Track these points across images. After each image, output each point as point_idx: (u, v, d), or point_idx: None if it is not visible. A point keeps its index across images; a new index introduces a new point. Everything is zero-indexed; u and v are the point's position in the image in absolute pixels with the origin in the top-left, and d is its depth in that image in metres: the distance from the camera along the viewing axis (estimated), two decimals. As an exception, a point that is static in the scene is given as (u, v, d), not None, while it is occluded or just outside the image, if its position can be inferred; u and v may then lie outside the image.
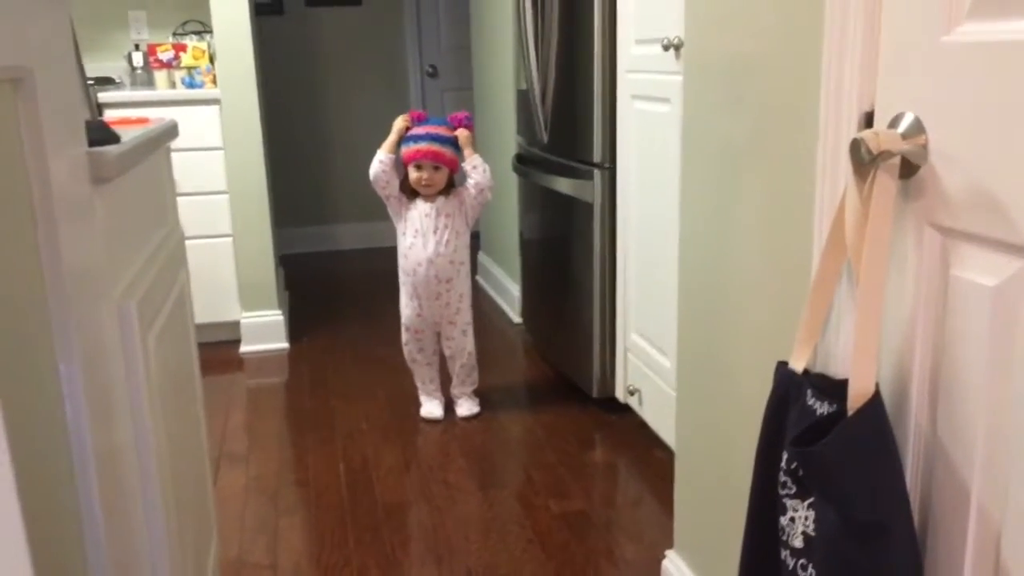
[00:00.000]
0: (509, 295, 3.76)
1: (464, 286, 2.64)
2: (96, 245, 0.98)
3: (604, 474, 2.38)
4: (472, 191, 2.58)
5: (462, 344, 2.69)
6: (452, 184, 2.59)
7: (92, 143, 1.00)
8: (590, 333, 2.67)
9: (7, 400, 0.70)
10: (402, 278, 2.64)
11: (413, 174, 2.53)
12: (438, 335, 2.71)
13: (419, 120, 2.59)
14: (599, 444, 2.54)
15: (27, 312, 0.81)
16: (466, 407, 2.74)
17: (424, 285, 2.58)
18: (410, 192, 2.58)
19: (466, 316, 2.68)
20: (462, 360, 2.70)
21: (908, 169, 0.93)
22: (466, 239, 2.63)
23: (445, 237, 2.56)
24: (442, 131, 2.54)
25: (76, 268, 0.89)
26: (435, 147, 2.50)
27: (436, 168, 2.52)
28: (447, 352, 2.71)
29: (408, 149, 2.53)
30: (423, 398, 2.77)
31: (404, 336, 2.70)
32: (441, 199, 2.57)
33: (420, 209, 2.57)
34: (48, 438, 0.84)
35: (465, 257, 2.63)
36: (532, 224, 3.26)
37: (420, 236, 2.56)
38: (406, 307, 2.66)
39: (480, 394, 2.81)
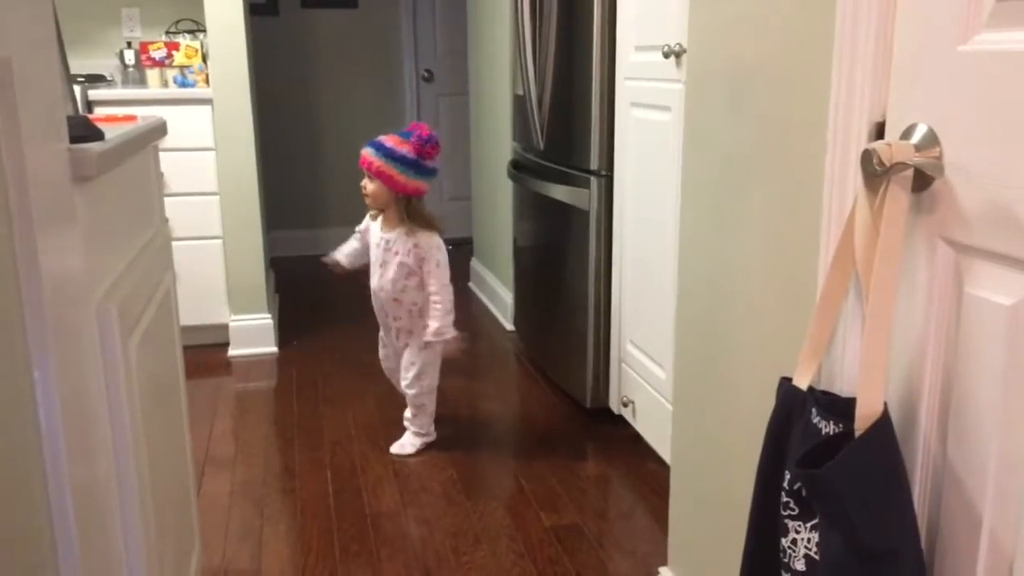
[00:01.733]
0: (502, 302, 3.73)
1: (415, 325, 2.44)
2: (75, 246, 0.94)
3: (597, 486, 2.34)
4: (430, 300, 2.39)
5: (408, 383, 2.48)
6: (410, 214, 2.36)
7: (74, 140, 0.97)
8: (584, 342, 2.63)
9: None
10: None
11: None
12: None
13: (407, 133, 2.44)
14: (592, 456, 2.50)
15: (0, 315, 0.77)
16: (399, 443, 2.52)
17: (379, 313, 2.49)
18: (374, 216, 2.47)
19: (414, 357, 2.46)
20: (410, 400, 2.52)
21: (921, 182, 0.90)
22: (420, 289, 2.41)
23: (390, 275, 2.38)
24: (392, 142, 2.33)
25: (53, 270, 0.85)
26: (369, 154, 2.32)
27: (371, 178, 2.34)
28: (402, 384, 2.54)
29: None
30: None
31: (380, 351, 2.63)
32: (397, 233, 2.37)
33: (375, 234, 2.44)
34: (20, 448, 0.80)
35: (421, 301, 2.42)
36: (526, 231, 3.22)
37: (372, 263, 2.46)
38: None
39: (470, 402, 2.77)
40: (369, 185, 2.36)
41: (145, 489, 1.13)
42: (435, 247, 2.36)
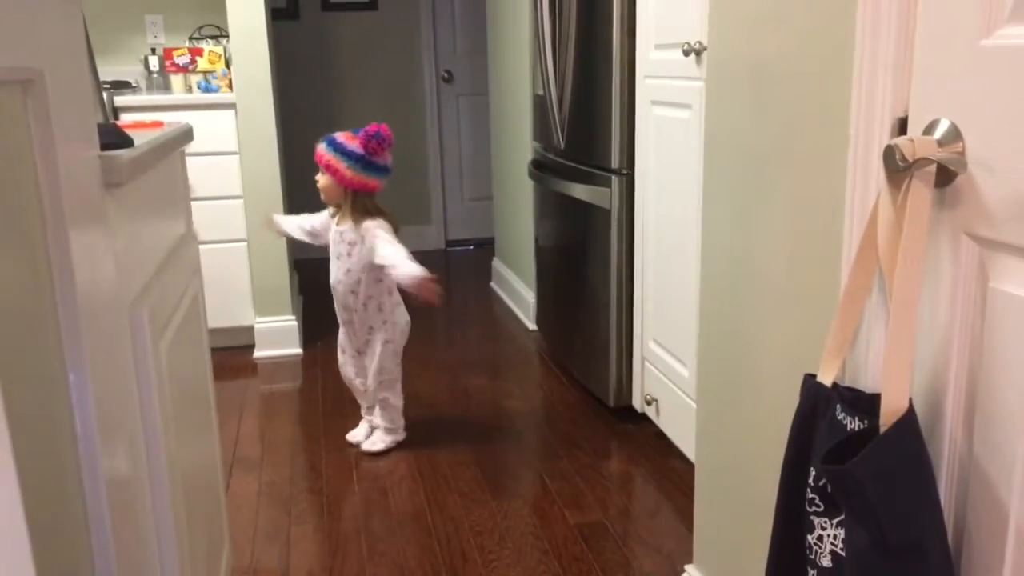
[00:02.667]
0: (524, 302, 3.74)
1: (375, 321, 2.44)
2: (108, 251, 0.96)
3: (621, 484, 2.35)
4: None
5: (373, 387, 2.50)
6: (358, 207, 2.38)
7: (104, 147, 0.99)
8: (607, 341, 2.63)
9: (14, 410, 0.67)
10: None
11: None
12: None
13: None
14: (615, 454, 2.51)
15: (36, 320, 0.79)
16: (370, 440, 2.55)
17: (337, 309, 2.48)
18: (333, 213, 2.48)
19: (374, 350, 2.47)
20: (371, 391, 2.52)
21: (944, 177, 0.90)
22: (382, 282, 2.42)
23: (347, 266, 2.40)
24: (344, 137, 2.37)
25: (87, 275, 0.87)
26: (321, 149, 2.37)
27: (322, 172, 2.38)
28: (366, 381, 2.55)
29: None
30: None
31: (339, 357, 2.59)
32: (348, 226, 2.39)
33: (333, 228, 2.46)
34: (57, 449, 0.82)
35: (377, 296, 2.43)
36: (548, 230, 3.23)
37: (332, 257, 2.46)
38: (339, 334, 2.57)
39: (494, 401, 2.78)
40: (320, 179, 2.40)
41: (176, 489, 1.15)
42: (375, 226, 2.36)
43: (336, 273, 2.43)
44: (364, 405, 2.61)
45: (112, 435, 0.92)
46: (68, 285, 0.82)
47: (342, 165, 2.35)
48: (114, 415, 0.94)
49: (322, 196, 2.44)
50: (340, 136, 2.38)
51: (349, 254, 2.40)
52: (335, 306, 2.48)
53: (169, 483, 1.11)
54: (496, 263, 4.33)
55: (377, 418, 2.56)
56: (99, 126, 1.00)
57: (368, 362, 2.50)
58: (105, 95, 3.01)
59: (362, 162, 2.35)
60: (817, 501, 1.00)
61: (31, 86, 0.79)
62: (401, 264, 2.29)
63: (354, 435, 2.60)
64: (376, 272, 2.38)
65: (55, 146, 0.81)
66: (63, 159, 0.83)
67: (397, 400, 2.55)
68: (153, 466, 1.07)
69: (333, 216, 2.46)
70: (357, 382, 2.57)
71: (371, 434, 2.58)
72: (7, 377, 0.68)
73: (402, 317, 2.48)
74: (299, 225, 2.59)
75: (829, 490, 0.98)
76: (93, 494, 0.88)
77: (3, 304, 0.71)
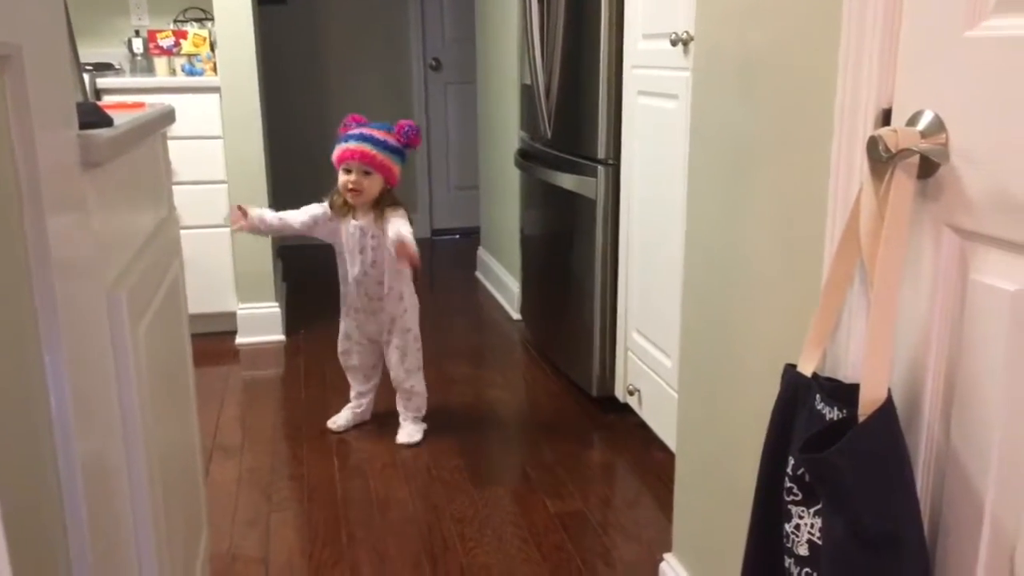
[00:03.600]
0: (508, 291, 3.74)
1: (397, 309, 2.42)
2: (85, 232, 0.94)
3: (602, 474, 2.35)
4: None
5: (401, 376, 2.49)
6: (388, 202, 2.33)
7: (84, 126, 0.97)
8: (590, 331, 2.64)
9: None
10: (341, 295, 2.51)
11: (342, 177, 2.30)
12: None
13: (356, 122, 2.36)
14: (597, 443, 2.51)
15: (11, 300, 0.78)
16: (405, 432, 2.51)
17: (358, 301, 2.44)
18: (341, 208, 2.38)
19: (399, 340, 2.45)
20: (402, 389, 2.52)
21: (926, 169, 0.90)
22: (402, 272, 2.39)
23: (371, 258, 2.36)
24: (380, 134, 2.29)
25: (64, 255, 0.85)
26: (365, 147, 2.25)
27: (367, 173, 2.27)
28: (390, 374, 2.52)
29: (339, 149, 2.29)
30: (351, 395, 2.61)
31: (341, 344, 2.55)
32: (369, 220, 2.33)
33: (348, 227, 2.37)
34: (32, 432, 0.81)
35: (399, 286, 2.41)
36: (533, 220, 3.22)
37: (349, 253, 2.40)
38: (343, 322, 2.53)
39: (477, 390, 2.78)
40: (364, 180, 2.28)
41: (154, 473, 1.14)
42: (398, 215, 2.31)
43: (360, 267, 2.37)
44: (356, 393, 2.59)
45: (88, 418, 0.92)
46: (44, 265, 0.81)
47: (393, 163, 2.30)
48: (91, 398, 0.93)
49: (356, 197, 2.31)
50: (378, 133, 2.29)
51: (374, 248, 2.35)
52: (350, 301, 2.45)
53: (146, 467, 1.10)
54: (481, 252, 4.32)
55: (402, 410, 2.54)
56: (78, 105, 0.98)
57: (390, 353, 2.48)
58: (88, 77, 2.98)
59: (403, 157, 2.33)
60: (795, 490, 1.01)
61: (8, 62, 0.78)
62: (403, 229, 2.24)
63: (336, 422, 2.58)
64: (398, 263, 2.33)
65: (32, 123, 0.80)
66: (41, 137, 0.81)
67: (423, 387, 2.54)
68: (130, 450, 1.06)
69: (341, 211, 2.37)
70: (361, 373, 2.55)
71: (350, 417, 2.58)
72: (-20, 356, 0.67)
73: (414, 300, 2.47)
74: (292, 222, 2.43)
75: (807, 479, 0.99)
76: (68, 478, 0.87)
77: (-23, 282, 0.70)
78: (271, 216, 2.43)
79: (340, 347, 2.55)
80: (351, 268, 2.41)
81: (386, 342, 2.48)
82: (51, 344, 0.83)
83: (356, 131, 2.30)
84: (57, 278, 0.83)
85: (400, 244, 2.21)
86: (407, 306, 2.44)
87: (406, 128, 2.32)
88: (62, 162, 0.89)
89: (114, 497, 1.02)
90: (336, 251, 2.46)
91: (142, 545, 1.11)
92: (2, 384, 0.73)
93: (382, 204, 2.32)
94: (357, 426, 2.60)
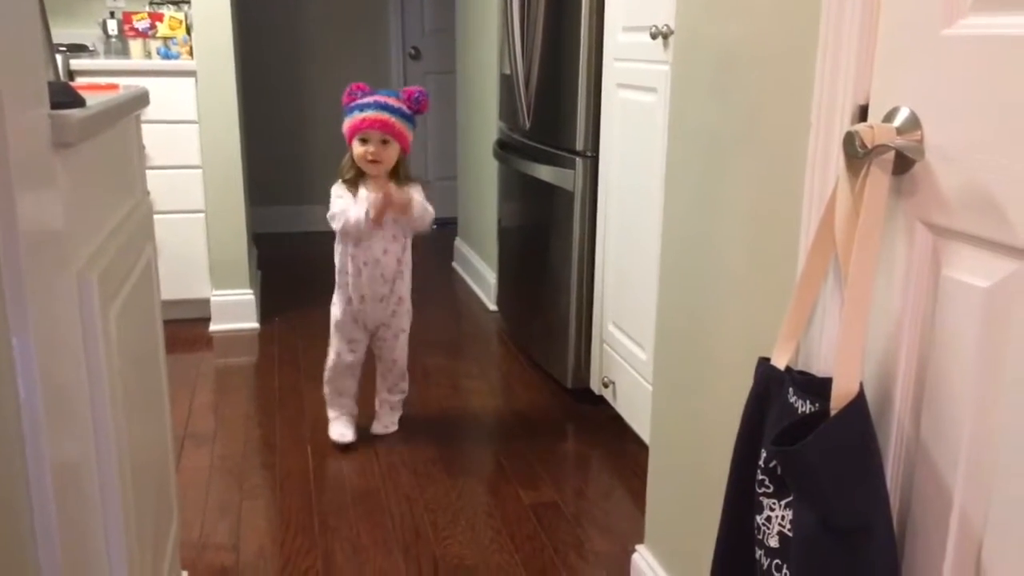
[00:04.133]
0: (485, 282, 3.73)
1: (405, 289, 2.36)
2: (55, 213, 0.93)
3: (576, 466, 2.36)
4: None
5: (393, 348, 2.41)
6: (401, 172, 2.26)
7: (55, 106, 0.95)
8: (566, 323, 2.64)
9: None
10: (340, 280, 2.33)
11: (358, 148, 2.19)
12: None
13: (362, 91, 2.26)
14: (571, 435, 2.52)
15: (-22, 280, 0.77)
16: (381, 423, 2.47)
17: (369, 285, 2.29)
18: (354, 182, 2.27)
19: (403, 321, 2.40)
20: (394, 366, 2.45)
21: (902, 165, 0.91)
22: (408, 247, 2.34)
23: (391, 232, 2.27)
24: (394, 101, 2.21)
25: (33, 236, 0.84)
26: (384, 116, 2.17)
27: (384, 141, 2.18)
28: (379, 356, 2.43)
29: (353, 119, 2.19)
30: (333, 414, 2.44)
31: (336, 345, 2.38)
32: (391, 187, 2.21)
33: (361, 202, 2.23)
34: (-3, 414, 0.80)
35: (409, 259, 2.35)
36: (511, 211, 3.22)
37: (363, 232, 2.25)
38: (342, 313, 2.35)
39: (452, 381, 2.77)
40: (383, 150, 2.19)
41: (124, 460, 1.13)
42: (420, 192, 2.28)
43: (380, 243, 2.25)
44: (347, 396, 2.43)
45: (57, 402, 0.90)
46: (12, 245, 0.79)
47: (408, 130, 2.23)
48: (59, 381, 0.92)
49: (375, 168, 2.21)
50: (390, 100, 2.21)
51: (395, 220, 2.25)
52: (354, 285, 2.29)
53: (116, 453, 1.08)
54: (458, 243, 4.31)
55: (387, 394, 2.48)
56: (50, 84, 0.96)
57: (390, 336, 2.39)
58: (61, 58, 2.93)
59: (414, 124, 2.26)
60: (767, 483, 1.02)
61: (-23, 38, 0.76)
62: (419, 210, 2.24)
63: (341, 433, 2.41)
64: (409, 235, 2.31)
65: (2, 101, 0.78)
66: (11, 115, 0.80)
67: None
68: (99, 435, 1.04)
69: (356, 186, 2.25)
70: (359, 364, 2.41)
71: (350, 423, 2.43)
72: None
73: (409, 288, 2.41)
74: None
75: (779, 472, 0.99)
76: (36, 462, 0.86)
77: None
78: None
79: (330, 373, 2.40)
80: (363, 249, 2.26)
81: (387, 325, 2.38)
82: (19, 326, 0.82)
83: (370, 99, 2.20)
84: (25, 258, 0.81)
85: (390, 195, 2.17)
86: (408, 284, 2.38)
87: (416, 94, 2.24)
88: (32, 141, 0.87)
89: (83, 483, 1.01)
90: (340, 233, 2.28)
91: (111, 532, 1.09)
92: (-32, 366, 0.72)
93: (399, 174, 2.25)
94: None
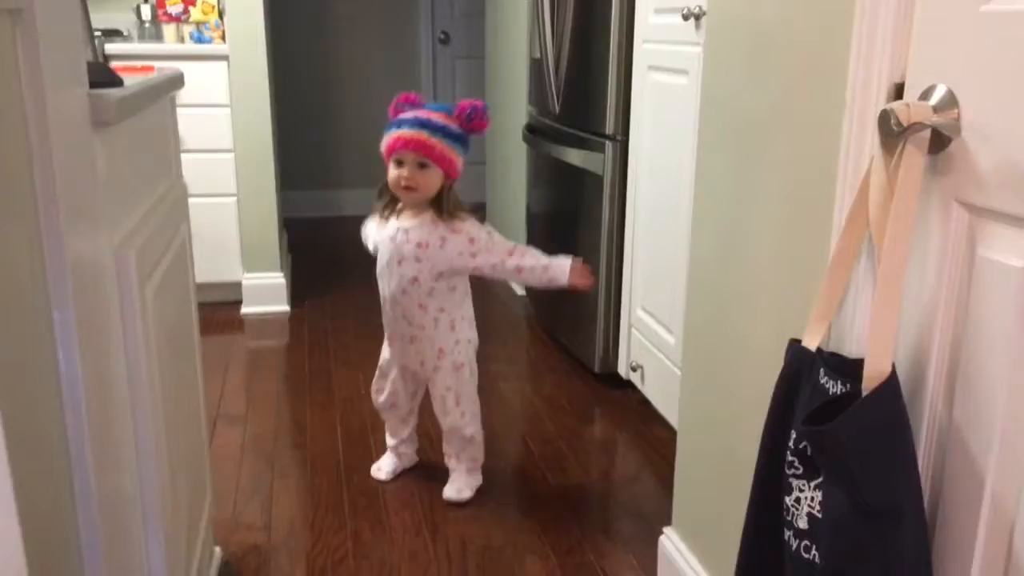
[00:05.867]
0: (513, 267, 3.73)
1: (446, 340, 1.95)
2: (95, 190, 0.95)
3: (603, 449, 2.36)
4: (487, 265, 1.91)
5: (456, 422, 2.01)
6: (444, 202, 1.87)
7: (94, 85, 0.97)
8: (595, 308, 2.64)
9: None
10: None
11: (392, 172, 1.85)
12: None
13: (411, 104, 1.90)
14: (599, 419, 2.52)
15: (21, 255, 0.79)
16: (454, 487, 2.06)
17: (394, 325, 1.98)
18: (385, 208, 1.95)
19: (448, 378, 1.98)
20: (452, 435, 2.05)
21: (938, 143, 0.90)
22: (456, 290, 1.95)
23: (413, 273, 1.88)
24: (439, 117, 1.84)
25: (73, 212, 0.86)
26: (421, 135, 1.80)
27: (422, 165, 1.82)
28: (439, 419, 2.06)
29: (389, 137, 1.84)
30: (388, 442, 2.18)
31: (375, 380, 2.13)
32: (420, 221, 1.88)
33: (389, 229, 1.92)
34: (40, 389, 0.82)
35: (451, 308, 1.94)
36: (540, 195, 3.22)
37: (387, 263, 1.92)
38: (384, 348, 2.09)
39: (481, 365, 2.77)
40: (418, 176, 1.83)
41: (160, 435, 1.15)
42: (477, 226, 1.92)
43: (397, 283, 1.91)
44: (396, 438, 2.16)
45: (96, 374, 0.92)
46: (54, 220, 0.81)
47: (457, 156, 1.86)
48: (98, 355, 0.94)
49: (410, 195, 1.86)
50: (433, 115, 1.84)
51: (418, 259, 1.87)
52: (385, 321, 2.01)
53: (153, 429, 1.11)
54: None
55: (451, 459, 2.09)
56: (89, 64, 0.98)
57: (436, 394, 2.01)
58: (96, 43, 2.97)
59: (466, 146, 1.88)
60: (796, 464, 1.01)
61: (20, 16, 0.78)
62: (549, 262, 1.92)
63: (382, 470, 2.15)
64: (452, 280, 1.92)
65: (43, 80, 0.80)
66: (51, 93, 0.81)
67: (481, 433, 2.08)
68: (137, 408, 1.07)
69: (386, 213, 1.94)
70: (396, 415, 2.13)
71: (393, 463, 2.16)
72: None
73: (472, 333, 2.03)
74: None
75: (809, 453, 0.99)
76: (75, 433, 0.88)
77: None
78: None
79: (374, 384, 2.14)
80: (382, 282, 1.96)
81: (431, 380, 2.01)
82: (60, 300, 0.84)
83: (410, 115, 1.84)
84: (67, 234, 0.83)
85: (575, 276, 1.91)
86: (460, 337, 1.97)
87: (468, 110, 1.85)
88: (72, 119, 0.89)
89: (121, 457, 1.03)
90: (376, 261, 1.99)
91: (148, 506, 1.12)
92: (10, 338, 0.74)
93: (443, 205, 1.87)
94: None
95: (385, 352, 2.08)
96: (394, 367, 2.06)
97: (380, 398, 2.12)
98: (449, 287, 1.92)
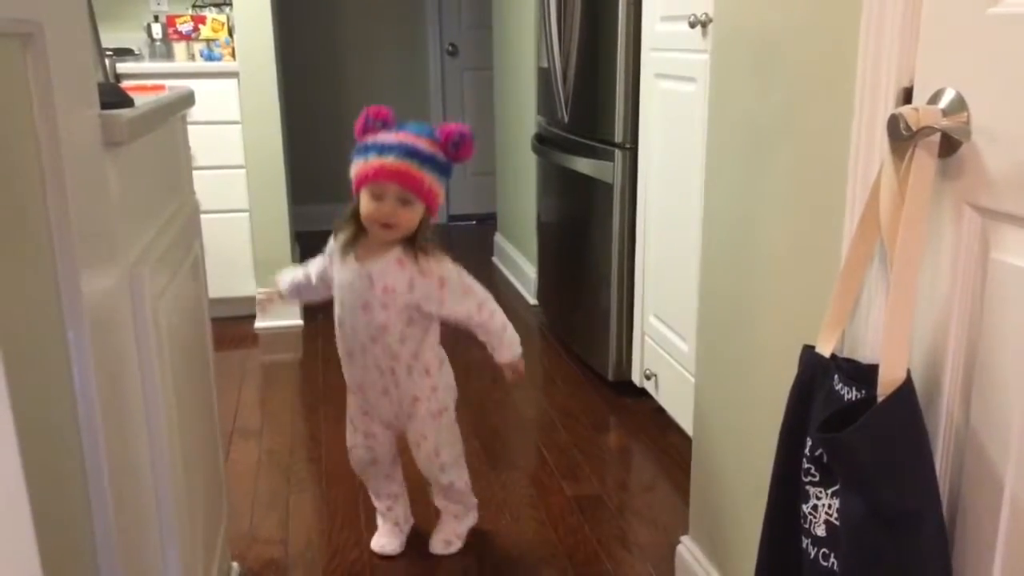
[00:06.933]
0: (525, 276, 3.74)
1: (421, 387, 1.73)
2: (107, 209, 0.95)
3: (618, 458, 2.36)
4: (472, 319, 1.71)
5: (435, 472, 1.81)
6: (419, 239, 1.61)
7: (105, 106, 0.98)
8: (607, 316, 2.64)
9: (12, 367, 0.68)
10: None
11: (368, 205, 1.56)
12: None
13: (383, 121, 1.61)
14: (614, 428, 2.51)
15: (35, 276, 0.79)
16: (441, 538, 1.89)
17: (363, 375, 1.74)
18: (347, 244, 1.65)
19: (425, 426, 1.76)
20: (438, 485, 1.86)
21: (947, 147, 0.90)
22: (429, 332, 1.72)
23: (381, 320, 1.63)
24: (425, 144, 1.57)
25: (86, 232, 0.86)
26: (411, 167, 1.53)
27: (405, 201, 1.55)
28: (420, 468, 1.85)
29: (366, 163, 1.56)
30: (378, 519, 1.94)
31: (349, 436, 1.85)
32: (385, 263, 1.61)
33: (348, 271, 1.65)
34: (55, 406, 0.82)
35: (423, 354, 1.71)
36: (550, 205, 3.22)
37: (347, 308, 1.68)
38: (349, 402, 1.84)
39: (493, 375, 2.75)
40: (401, 213, 1.56)
41: (176, 452, 1.15)
42: (449, 268, 1.66)
43: (364, 331, 1.67)
44: (385, 499, 1.92)
45: (111, 393, 0.93)
46: (66, 240, 0.82)
47: (440, 188, 1.61)
48: (113, 373, 0.95)
49: (388, 233, 1.59)
50: (419, 142, 1.57)
51: (384, 305, 1.63)
52: (350, 372, 1.77)
53: (169, 446, 1.11)
54: (498, 238, 4.32)
55: (442, 506, 1.92)
56: (100, 85, 0.99)
57: (414, 444, 1.80)
58: (107, 62, 3.00)
59: (449, 176, 1.63)
60: (813, 471, 1.01)
61: (31, 40, 0.78)
62: (504, 337, 1.75)
63: (382, 544, 1.90)
64: (424, 324, 1.69)
65: (55, 102, 0.81)
66: (63, 115, 0.82)
67: (464, 477, 1.88)
68: (152, 426, 1.07)
69: (344, 249, 1.66)
70: (379, 473, 1.88)
71: (395, 532, 1.92)
72: (6, 328, 0.68)
73: (450, 377, 1.82)
74: (304, 279, 1.84)
75: (825, 460, 0.98)
76: (92, 452, 0.88)
77: (3, 257, 0.71)
78: (300, 275, 1.84)
79: (348, 441, 1.87)
80: (343, 330, 1.71)
81: (406, 428, 1.80)
82: (74, 320, 0.84)
83: (391, 139, 1.56)
84: (79, 254, 0.84)
85: (511, 366, 1.77)
86: (437, 383, 1.75)
87: (456, 136, 1.59)
88: (84, 141, 0.90)
89: (138, 474, 1.03)
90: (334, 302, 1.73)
91: (165, 522, 1.12)
92: (25, 359, 0.74)
93: (415, 242, 1.62)
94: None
95: (352, 405, 1.83)
96: (362, 424, 1.82)
97: (358, 454, 1.84)
98: (423, 330, 1.69)
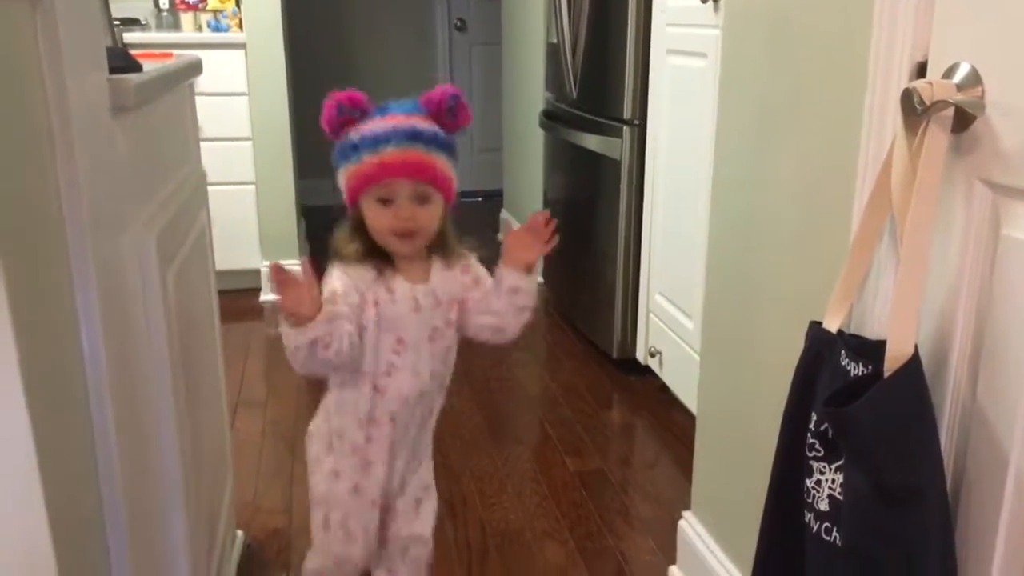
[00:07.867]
0: (531, 253, 3.73)
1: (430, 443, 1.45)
2: (115, 174, 0.95)
3: (622, 434, 2.36)
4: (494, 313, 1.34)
5: (425, 530, 1.44)
6: (450, 241, 1.31)
7: (113, 70, 0.98)
8: (613, 293, 2.63)
9: (23, 330, 0.68)
10: (340, 435, 1.33)
11: (376, 216, 1.22)
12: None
13: (359, 108, 1.24)
14: (617, 405, 2.52)
15: (44, 240, 0.79)
16: None
17: (402, 434, 1.33)
18: (362, 265, 1.25)
19: (426, 476, 1.45)
20: (410, 541, 1.43)
21: (961, 122, 0.89)
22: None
23: (447, 343, 1.32)
24: (424, 123, 1.21)
25: (94, 196, 0.86)
26: (414, 151, 1.19)
27: (422, 199, 1.21)
28: (393, 534, 1.41)
29: (361, 165, 1.20)
30: None
31: (321, 545, 1.35)
32: (437, 274, 1.30)
33: (404, 300, 1.25)
34: (64, 372, 0.83)
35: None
36: (557, 182, 3.21)
37: (409, 349, 1.27)
38: (339, 485, 1.32)
39: (498, 351, 2.73)
40: (420, 214, 1.21)
41: (182, 418, 1.16)
42: (478, 264, 1.37)
43: (429, 364, 1.30)
44: None
45: (119, 358, 0.93)
46: (75, 203, 0.82)
47: (454, 172, 1.26)
48: (121, 338, 0.95)
49: (409, 243, 1.24)
50: (419, 121, 1.21)
51: (449, 324, 1.31)
52: (380, 436, 1.31)
53: (175, 411, 1.12)
54: (504, 215, 4.31)
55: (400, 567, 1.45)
56: (108, 50, 0.99)
57: (411, 503, 1.43)
58: (115, 32, 2.98)
59: (456, 155, 1.27)
60: (817, 446, 1.01)
61: (40, 2, 0.78)
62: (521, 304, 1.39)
63: None
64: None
65: (63, 65, 0.81)
66: (71, 79, 0.82)
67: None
68: (159, 393, 1.08)
69: (388, 272, 1.26)
70: (367, 552, 1.37)
71: None
72: (16, 292, 0.68)
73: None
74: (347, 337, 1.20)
75: (830, 435, 0.98)
76: (99, 417, 0.89)
77: (13, 221, 0.71)
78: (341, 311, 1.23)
79: (308, 561, 1.40)
80: (413, 374, 1.28)
81: (394, 495, 1.39)
82: (83, 283, 0.84)
83: (384, 125, 1.20)
84: (88, 218, 0.84)
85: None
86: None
87: (448, 101, 1.23)
88: (92, 105, 0.90)
89: (143, 438, 1.04)
90: (366, 359, 1.27)
91: (170, 489, 1.13)
92: (35, 323, 0.74)
93: (447, 240, 1.31)
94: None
95: (341, 496, 1.32)
96: (353, 521, 1.34)
97: (339, 550, 1.34)
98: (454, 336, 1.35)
